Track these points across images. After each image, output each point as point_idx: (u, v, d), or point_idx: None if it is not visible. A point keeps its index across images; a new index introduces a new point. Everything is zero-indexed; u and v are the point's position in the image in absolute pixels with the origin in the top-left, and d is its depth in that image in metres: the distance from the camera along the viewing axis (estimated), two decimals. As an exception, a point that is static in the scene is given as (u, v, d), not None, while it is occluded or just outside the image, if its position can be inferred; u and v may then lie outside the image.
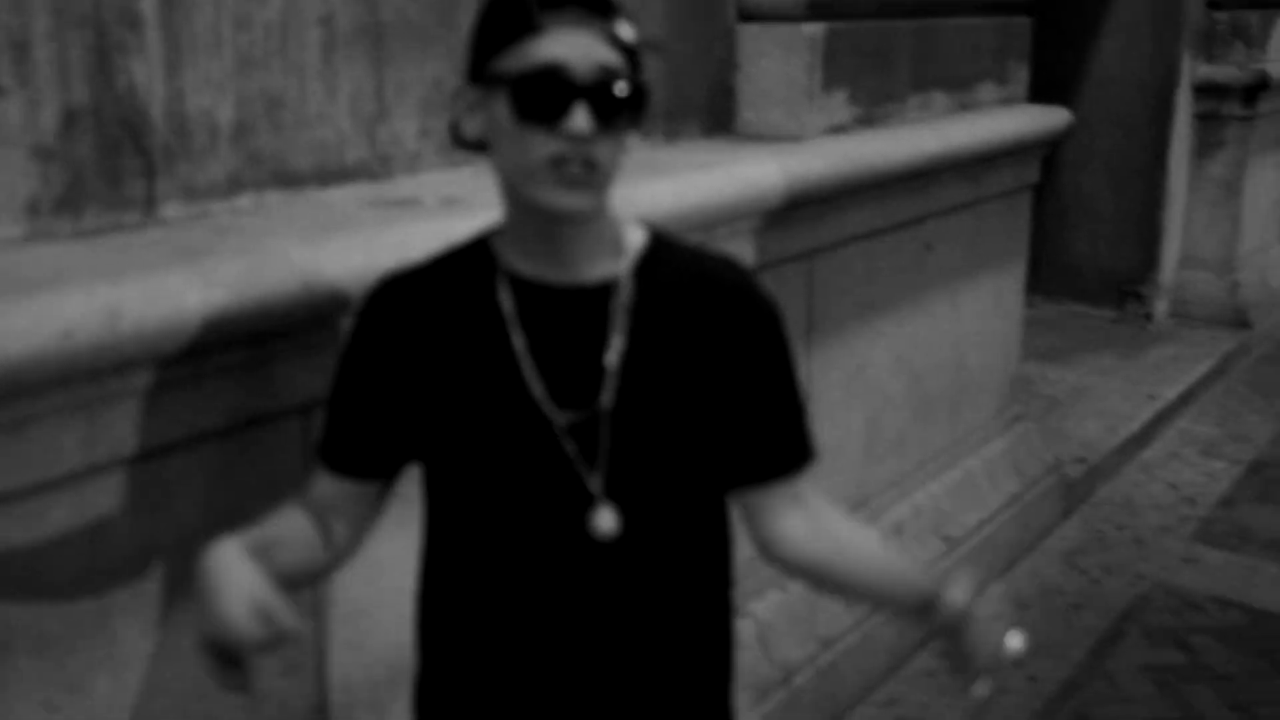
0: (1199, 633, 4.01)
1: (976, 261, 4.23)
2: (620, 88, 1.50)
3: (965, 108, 4.13)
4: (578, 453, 1.61)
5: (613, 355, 1.61)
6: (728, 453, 1.72)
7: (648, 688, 1.72)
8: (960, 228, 4.08)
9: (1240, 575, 4.42)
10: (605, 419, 1.61)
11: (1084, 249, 7.02)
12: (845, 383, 3.62)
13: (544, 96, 1.47)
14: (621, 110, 1.51)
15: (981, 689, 1.78)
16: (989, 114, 4.16)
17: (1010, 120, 4.19)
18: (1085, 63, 6.82)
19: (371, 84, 2.50)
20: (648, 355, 1.62)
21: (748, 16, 3.47)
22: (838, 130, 3.52)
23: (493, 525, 1.66)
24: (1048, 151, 4.59)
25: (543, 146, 1.48)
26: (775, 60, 3.43)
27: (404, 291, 1.68)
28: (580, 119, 1.47)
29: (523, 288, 1.62)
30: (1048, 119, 4.42)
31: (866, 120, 3.64)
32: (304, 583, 1.81)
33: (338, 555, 1.80)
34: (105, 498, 1.87)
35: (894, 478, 3.94)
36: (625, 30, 1.53)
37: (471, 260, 1.66)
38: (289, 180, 2.38)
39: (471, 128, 1.60)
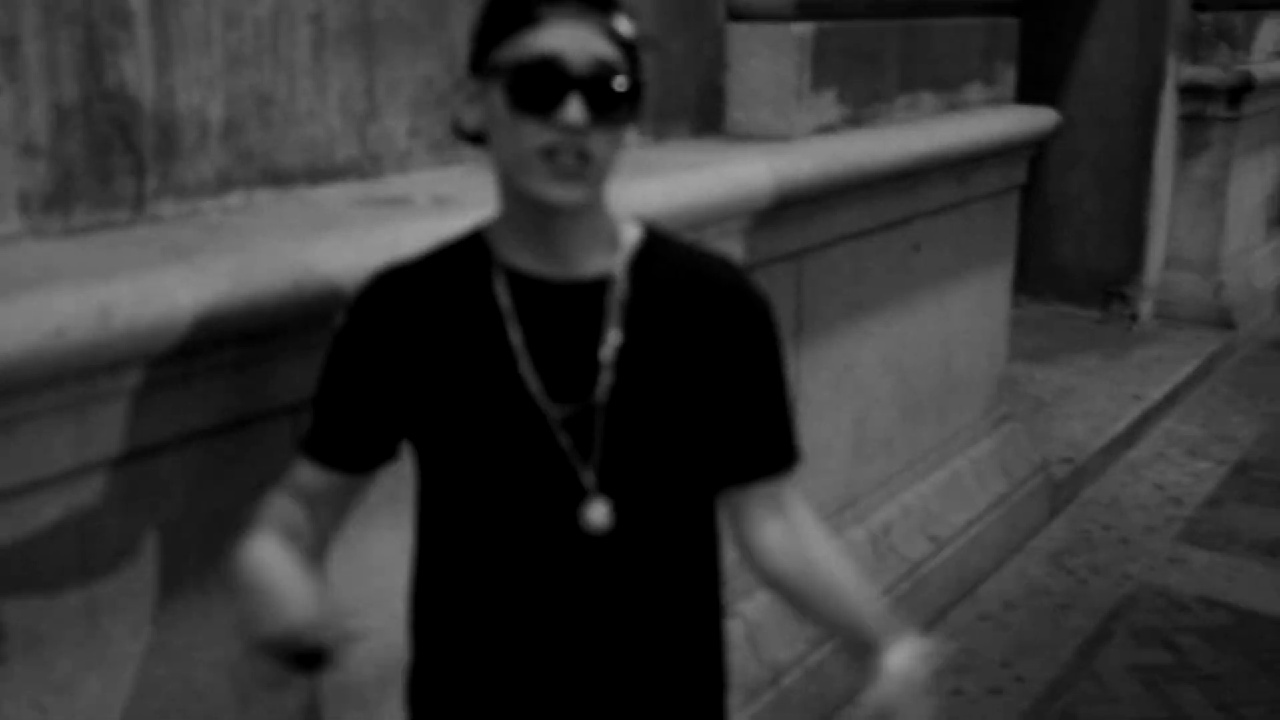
0: (1185, 633, 4.03)
1: (964, 262, 4.23)
2: (616, 81, 1.51)
3: (953, 108, 4.13)
4: (572, 446, 1.62)
5: (608, 350, 1.62)
6: (716, 450, 1.72)
7: (640, 682, 1.73)
8: (948, 228, 4.08)
9: (1226, 575, 4.43)
10: (599, 413, 1.62)
11: (1070, 250, 7.04)
12: (834, 382, 3.62)
13: (539, 87, 1.49)
14: (617, 104, 1.52)
15: None
16: (977, 114, 4.17)
17: (998, 121, 4.20)
18: (1071, 64, 6.84)
19: (362, 82, 2.49)
20: (642, 350, 1.63)
21: (737, 16, 3.47)
22: (826, 130, 3.52)
23: (486, 518, 1.66)
24: (1035, 152, 4.60)
25: (536, 136, 1.49)
26: (764, 60, 3.43)
27: (399, 286, 1.67)
28: (574, 110, 1.48)
29: (518, 281, 1.62)
30: (1035, 120, 4.42)
31: (855, 120, 3.64)
32: None
33: (324, 546, 1.80)
34: (96, 497, 1.86)
35: (882, 478, 3.94)
36: (623, 25, 1.54)
37: (467, 254, 1.66)
38: (279, 178, 2.37)
39: (471, 119, 1.61)
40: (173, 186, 2.19)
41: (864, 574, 3.31)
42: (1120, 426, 5.50)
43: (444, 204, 2.36)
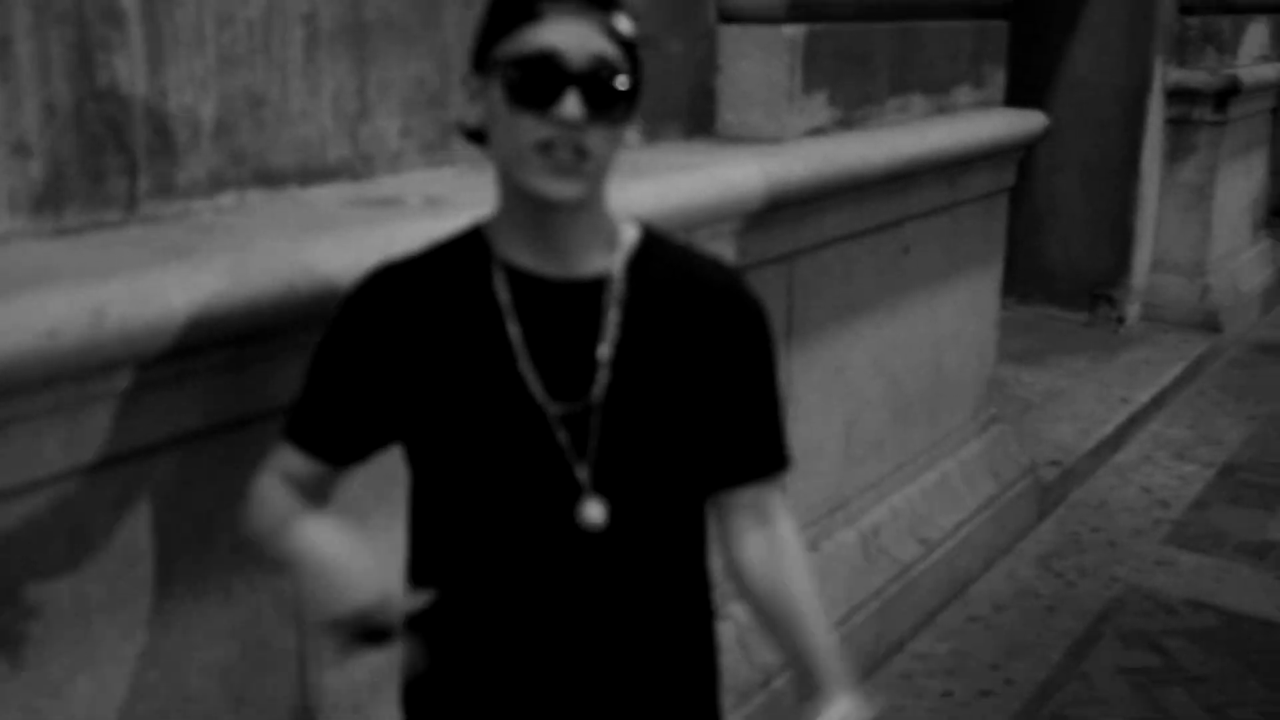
0: (1173, 635, 4.03)
1: (954, 264, 4.24)
2: (614, 79, 1.53)
3: (943, 111, 4.14)
4: (569, 444, 1.62)
5: (605, 348, 1.63)
6: (708, 452, 1.73)
7: (634, 679, 1.73)
8: (938, 230, 4.09)
9: (1213, 578, 4.44)
10: (596, 411, 1.62)
11: (1057, 252, 7.05)
12: (824, 384, 3.62)
13: (537, 81, 1.50)
14: (615, 101, 1.53)
15: None
16: (966, 117, 4.17)
17: (987, 123, 4.20)
18: (1058, 67, 6.85)
19: (354, 82, 2.48)
20: (639, 350, 1.64)
21: (728, 18, 3.46)
22: (817, 132, 3.52)
23: (481, 514, 1.66)
24: (1024, 155, 4.60)
25: (533, 131, 1.51)
26: (755, 62, 3.43)
27: (397, 281, 1.67)
28: (571, 105, 1.49)
29: (517, 278, 1.62)
30: (1024, 123, 4.43)
31: (845, 122, 3.64)
32: None
33: None
34: (89, 499, 1.85)
35: (872, 480, 3.94)
36: (623, 24, 1.56)
37: (465, 251, 1.66)
38: (271, 179, 2.36)
39: (473, 116, 1.62)
40: (165, 187, 2.18)
41: (854, 578, 3.30)
42: (1108, 429, 5.51)
43: (436, 205, 2.35)
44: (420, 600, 1.52)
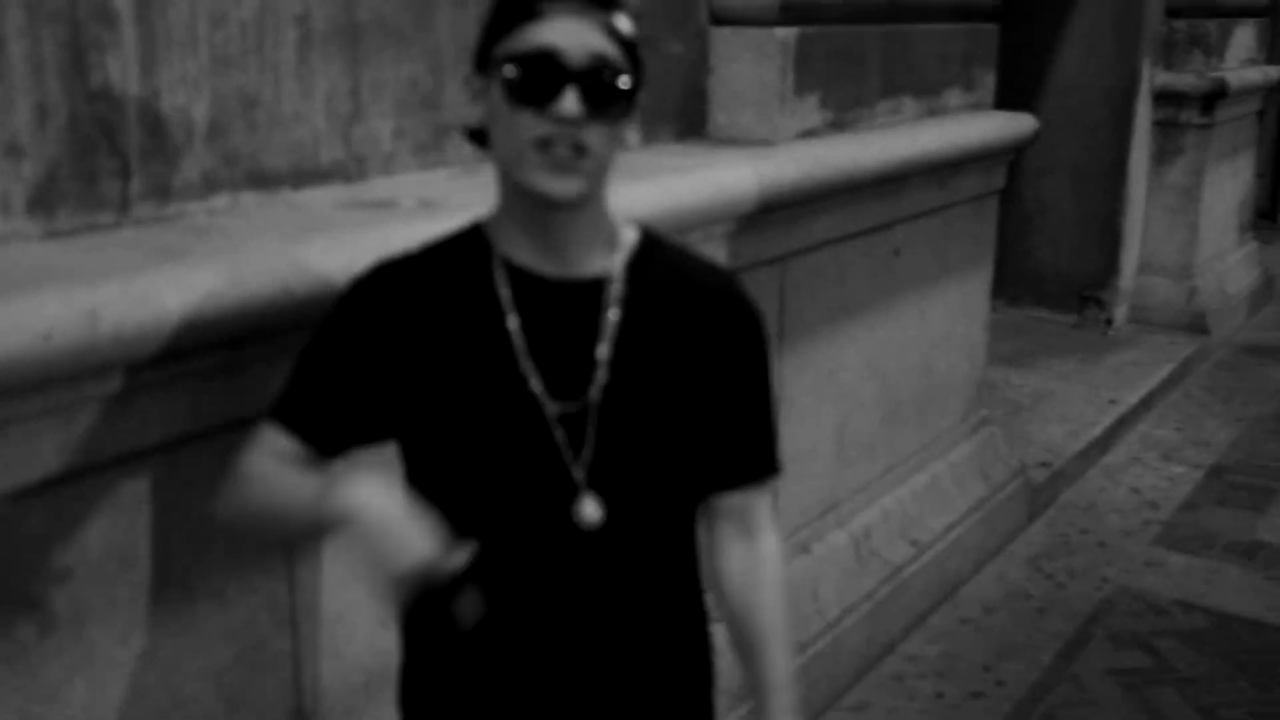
0: (1163, 636, 4.04)
1: (944, 266, 4.24)
2: (613, 77, 1.54)
3: (933, 113, 4.14)
4: (566, 442, 1.63)
5: (604, 348, 1.63)
6: (700, 454, 1.74)
7: (629, 678, 1.74)
8: (929, 232, 4.09)
9: (1203, 579, 4.45)
10: (594, 410, 1.63)
11: (1045, 254, 7.06)
12: (817, 387, 3.62)
13: (536, 79, 1.51)
14: (614, 99, 1.55)
15: None
16: (957, 120, 4.18)
17: (978, 126, 4.21)
18: (1047, 70, 6.86)
19: (347, 84, 2.47)
20: (637, 351, 1.65)
21: (720, 20, 3.46)
22: (809, 134, 3.52)
23: (476, 511, 1.66)
24: (1014, 158, 4.61)
25: (532, 128, 1.52)
26: (747, 64, 3.43)
27: (398, 275, 1.67)
28: (570, 102, 1.50)
29: (518, 276, 1.63)
30: (1015, 125, 4.44)
31: (837, 125, 3.64)
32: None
33: None
34: (83, 502, 1.84)
35: (863, 482, 3.94)
36: (623, 23, 1.57)
37: (466, 248, 1.67)
38: (263, 181, 2.35)
39: (475, 116, 1.63)
40: (158, 189, 2.17)
41: (845, 580, 3.30)
42: (1097, 431, 5.52)
43: (430, 207, 2.35)
44: (469, 551, 1.51)
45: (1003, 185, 4.58)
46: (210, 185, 2.25)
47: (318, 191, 2.44)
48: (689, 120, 3.46)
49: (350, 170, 2.51)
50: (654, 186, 2.75)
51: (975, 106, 4.39)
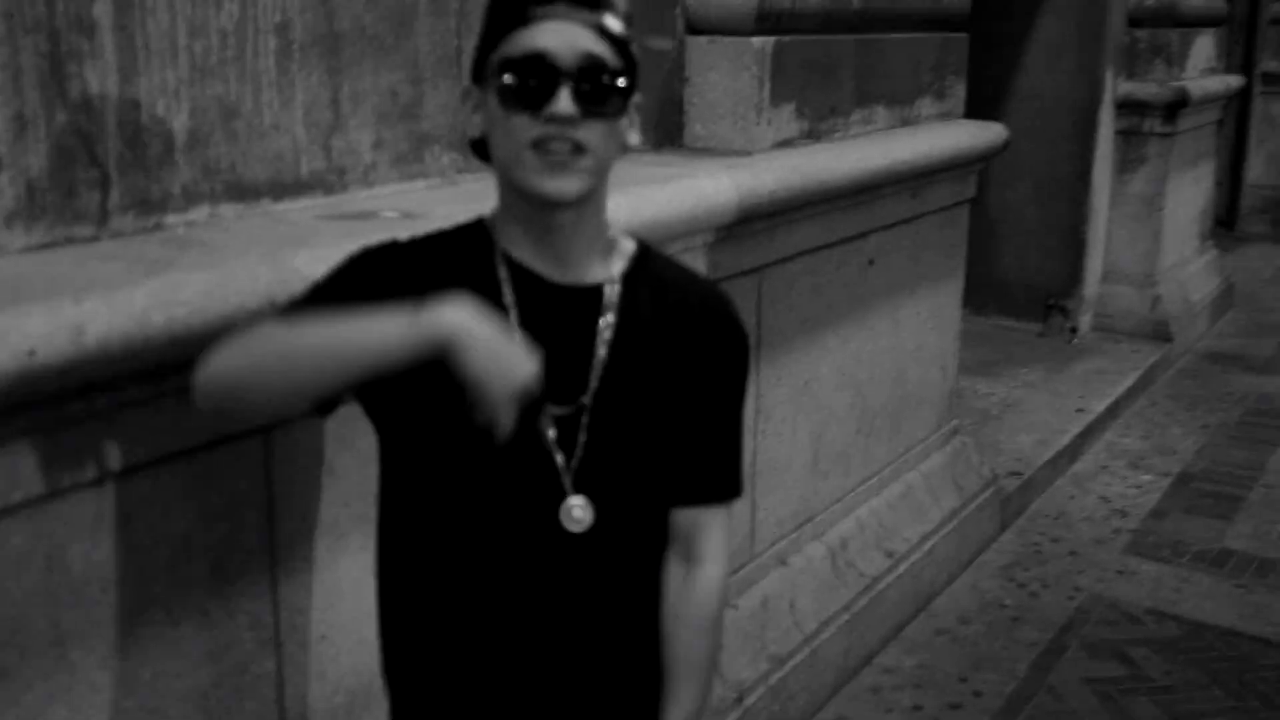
0: (1137, 645, 4.05)
1: (917, 276, 4.24)
2: (605, 75, 1.56)
3: (906, 123, 4.14)
4: (556, 445, 1.64)
5: (600, 354, 1.65)
6: (673, 465, 1.75)
7: (608, 683, 1.75)
8: (901, 242, 4.09)
9: (1174, 587, 4.46)
10: (586, 414, 1.65)
11: (1010, 263, 7.08)
12: (793, 398, 3.60)
13: (529, 82, 1.54)
14: (607, 97, 1.57)
15: None
16: (929, 129, 4.18)
17: (950, 136, 4.21)
18: (1011, 80, 6.89)
19: (327, 94, 2.43)
20: (630, 359, 1.67)
21: (696, 29, 3.45)
22: (785, 144, 3.51)
23: (462, 507, 1.66)
24: (984, 167, 4.61)
25: (528, 130, 1.54)
26: (724, 73, 3.42)
27: (405, 256, 1.68)
28: (563, 101, 1.53)
29: (519, 274, 1.64)
30: (986, 135, 4.44)
31: (812, 134, 3.63)
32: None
33: None
34: (65, 523, 1.80)
35: (839, 493, 3.93)
36: (613, 22, 1.59)
37: (471, 242, 1.68)
38: (243, 193, 2.30)
39: (474, 127, 1.65)
40: (137, 201, 2.12)
41: (823, 593, 3.28)
42: (1065, 439, 5.54)
43: (412, 218, 2.31)
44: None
45: (973, 194, 4.59)
46: (190, 197, 2.21)
47: (298, 203, 2.40)
48: (666, 130, 3.44)
49: (330, 182, 2.47)
50: (634, 197, 2.73)
51: (946, 116, 4.39)
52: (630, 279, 1.70)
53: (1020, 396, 6.03)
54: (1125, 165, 7.13)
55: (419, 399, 1.62)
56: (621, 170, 1.71)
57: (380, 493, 1.76)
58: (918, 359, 4.34)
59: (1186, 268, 7.67)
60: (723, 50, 3.41)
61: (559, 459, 1.64)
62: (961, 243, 4.59)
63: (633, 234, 1.78)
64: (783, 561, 3.63)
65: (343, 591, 2.23)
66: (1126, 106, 7.02)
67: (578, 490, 1.65)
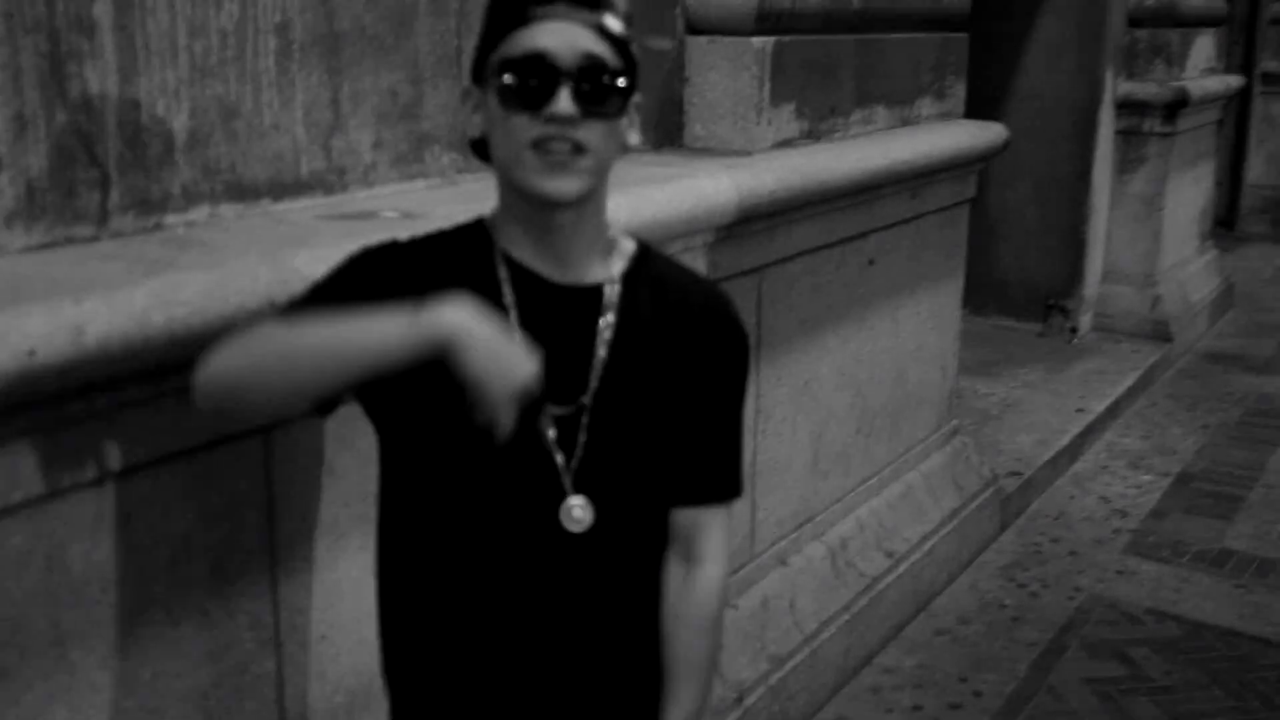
0: (1137, 645, 4.05)
1: (917, 276, 4.24)
2: (605, 74, 1.56)
3: (906, 123, 4.14)
4: (556, 445, 1.64)
5: (601, 354, 1.65)
6: (673, 465, 1.75)
7: (607, 683, 1.75)
8: (901, 242, 4.09)
9: (1174, 587, 4.46)
10: (586, 414, 1.65)
11: (1010, 263, 7.08)
12: (793, 398, 3.60)
13: (529, 81, 1.54)
14: (607, 96, 1.57)
15: None
16: (929, 129, 4.18)
17: (950, 136, 4.21)
18: (1011, 80, 6.89)
19: (327, 94, 2.43)
20: (630, 359, 1.67)
21: (696, 29, 3.44)
22: (785, 144, 3.51)
23: (461, 507, 1.66)
24: (984, 167, 4.61)
25: (528, 130, 1.55)
26: (724, 73, 3.41)
27: (407, 256, 1.68)
28: (563, 101, 1.53)
29: (520, 274, 1.65)
30: (986, 135, 4.44)
31: (812, 134, 3.63)
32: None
33: None
34: (65, 523, 1.80)
35: (839, 493, 3.93)
36: (613, 22, 1.59)
37: (471, 242, 1.68)
38: (243, 193, 2.30)
39: (474, 127, 1.65)
40: (137, 201, 2.12)
41: (823, 593, 3.28)
42: (1065, 439, 5.54)
43: (412, 218, 2.31)
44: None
45: (973, 194, 4.58)
46: (190, 197, 2.21)
47: (298, 203, 2.40)
48: (665, 130, 3.44)
49: (330, 182, 2.47)
50: (634, 197, 2.73)
51: (946, 116, 4.39)
52: (630, 279, 1.70)
53: (1020, 396, 6.03)
54: (1125, 165, 7.13)
55: (418, 399, 1.62)
56: (621, 170, 1.71)
57: (380, 493, 1.76)
58: (918, 359, 4.34)
59: (1186, 268, 7.67)
60: (723, 50, 3.40)
61: (559, 459, 1.64)
62: (961, 243, 4.59)
63: (633, 234, 1.78)
64: (783, 561, 3.63)
65: (342, 591, 2.23)
66: (1127, 106, 7.02)
67: (578, 490, 1.65)
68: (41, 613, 1.79)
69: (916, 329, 4.30)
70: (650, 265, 1.74)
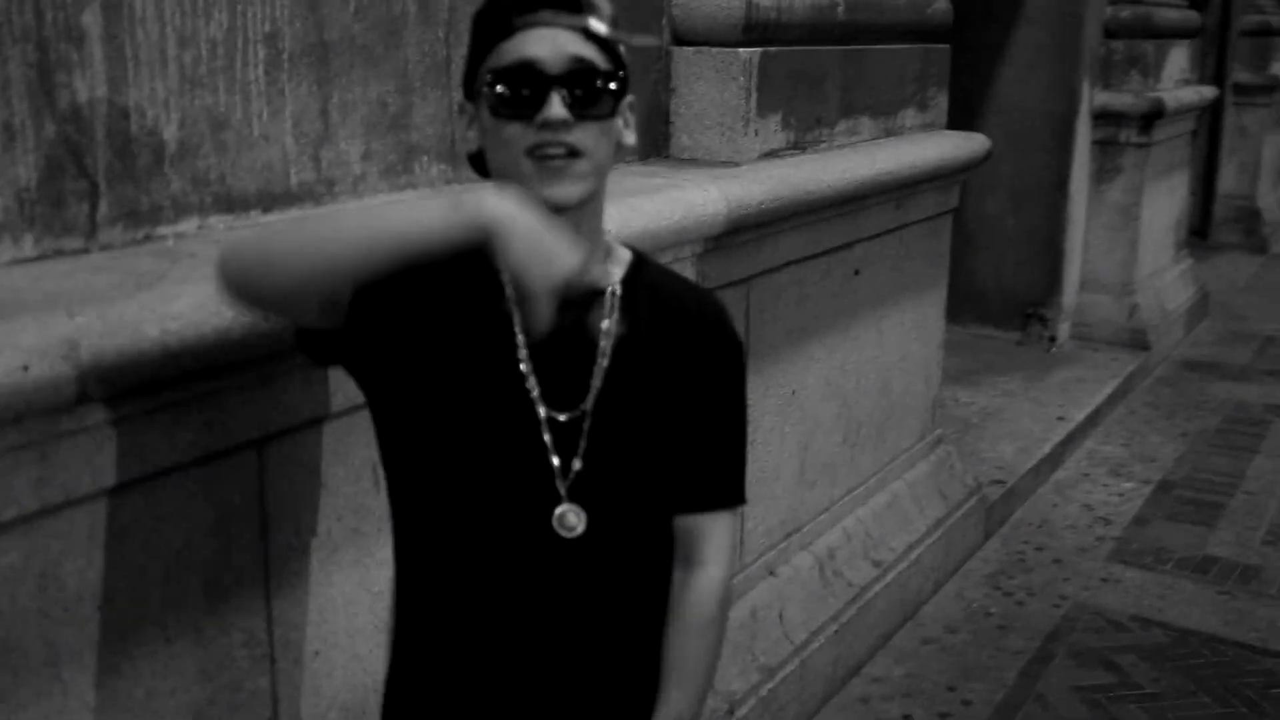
0: (1124, 652, 4.05)
1: (902, 286, 4.24)
2: (594, 77, 1.57)
3: (890, 133, 4.14)
4: (554, 450, 1.64)
5: (602, 360, 1.66)
6: (674, 472, 1.75)
7: (601, 690, 1.74)
8: (886, 252, 4.09)
9: (1158, 594, 4.47)
10: (585, 420, 1.65)
11: (988, 273, 7.10)
12: (780, 408, 3.59)
13: (519, 90, 1.55)
14: (598, 98, 1.58)
15: None
16: (914, 140, 4.18)
17: (933, 146, 4.21)
18: (988, 91, 6.91)
19: (316, 104, 2.41)
20: (630, 365, 1.68)
21: (682, 40, 3.44)
22: (771, 155, 3.50)
23: (458, 510, 1.66)
24: (966, 177, 4.62)
25: (522, 138, 1.55)
26: (710, 84, 3.41)
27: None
28: (555, 107, 1.53)
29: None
30: (969, 145, 4.45)
31: (798, 145, 3.63)
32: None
33: None
34: (58, 540, 1.77)
35: (826, 503, 3.92)
36: (597, 24, 1.60)
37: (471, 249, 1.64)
38: (232, 204, 2.28)
39: (470, 141, 1.67)
40: (126, 212, 2.10)
41: (811, 603, 3.26)
42: (1046, 448, 5.54)
43: (404, 230, 2.29)
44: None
45: (956, 205, 4.59)
46: (179, 209, 2.18)
47: (287, 214, 2.37)
48: (652, 140, 3.43)
49: (319, 193, 2.44)
50: (623, 208, 2.71)
51: (929, 126, 4.39)
52: (629, 285, 1.71)
53: (1000, 405, 6.04)
54: (1102, 175, 7.17)
55: (419, 399, 1.63)
56: (609, 180, 1.70)
57: (390, 500, 1.76)
58: (902, 369, 4.34)
59: (1163, 276, 7.71)
60: (709, 61, 3.40)
61: (556, 463, 1.64)
62: (945, 252, 4.59)
63: (625, 243, 1.78)
64: (771, 572, 3.62)
65: (336, 607, 2.21)
66: (1103, 117, 7.06)
67: (572, 496, 1.64)
68: (35, 631, 1.76)
69: (901, 339, 4.29)
70: (646, 272, 1.76)
